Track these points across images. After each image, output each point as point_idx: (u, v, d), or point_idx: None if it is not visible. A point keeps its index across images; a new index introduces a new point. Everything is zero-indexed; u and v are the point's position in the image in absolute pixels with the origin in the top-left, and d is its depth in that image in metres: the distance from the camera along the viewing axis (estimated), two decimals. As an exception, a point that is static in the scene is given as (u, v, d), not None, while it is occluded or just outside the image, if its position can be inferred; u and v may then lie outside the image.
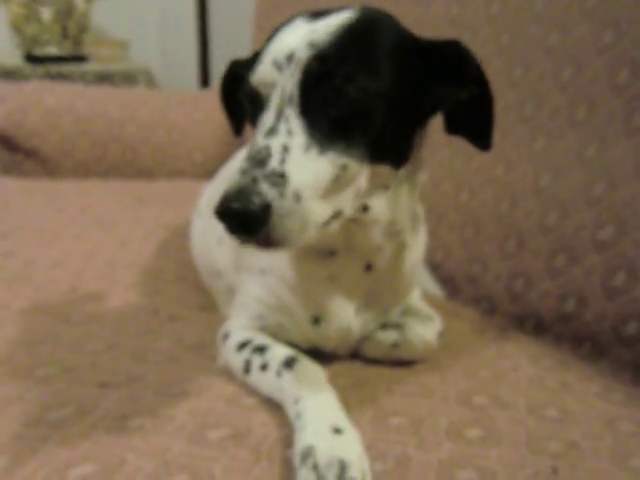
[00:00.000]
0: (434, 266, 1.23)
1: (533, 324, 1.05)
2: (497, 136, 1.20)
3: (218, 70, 3.14)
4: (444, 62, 0.67)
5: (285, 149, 0.58)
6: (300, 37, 0.62)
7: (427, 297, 0.97)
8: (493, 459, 0.64)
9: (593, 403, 0.80)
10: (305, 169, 0.58)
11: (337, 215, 0.64)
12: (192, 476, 0.57)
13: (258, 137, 0.59)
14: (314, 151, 0.60)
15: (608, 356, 0.94)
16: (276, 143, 0.58)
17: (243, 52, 2.45)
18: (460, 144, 0.75)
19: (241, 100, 0.70)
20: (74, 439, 0.62)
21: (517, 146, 1.13)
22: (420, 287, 0.96)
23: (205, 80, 3.14)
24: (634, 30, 0.95)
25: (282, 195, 0.56)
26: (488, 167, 1.17)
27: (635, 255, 0.91)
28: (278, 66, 0.62)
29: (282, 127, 0.59)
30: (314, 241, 0.61)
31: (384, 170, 0.67)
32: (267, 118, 0.61)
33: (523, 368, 0.89)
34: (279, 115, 0.60)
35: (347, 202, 0.65)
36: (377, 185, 0.68)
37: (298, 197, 0.57)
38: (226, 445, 0.62)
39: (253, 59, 0.70)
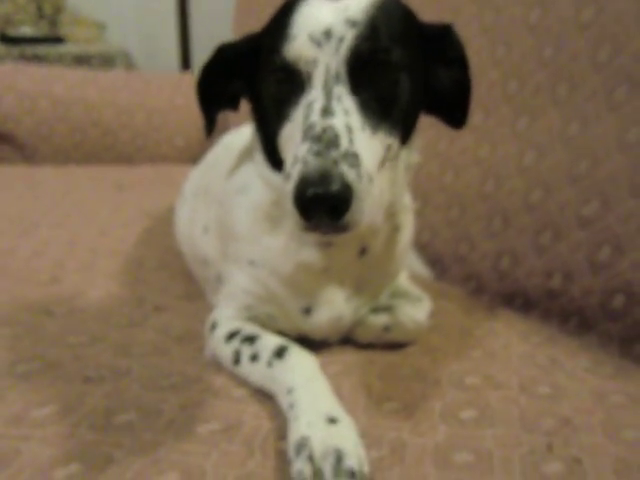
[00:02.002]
0: (421, 247, 1.22)
1: (521, 301, 1.05)
2: (481, 115, 1.19)
3: (199, 52, 3.08)
4: (438, 44, 0.69)
5: (349, 129, 0.56)
6: (333, 13, 0.61)
7: (415, 278, 0.96)
8: (488, 440, 0.64)
9: (583, 378, 0.80)
10: (368, 150, 0.58)
11: (380, 199, 0.63)
12: (183, 473, 0.56)
13: (313, 116, 0.57)
14: (368, 131, 0.59)
15: (595, 330, 0.94)
16: (339, 123, 0.56)
17: (225, 33, 2.40)
18: (443, 125, 0.75)
19: (227, 89, 0.69)
20: (58, 438, 0.60)
21: (501, 125, 1.12)
22: (408, 268, 0.96)
23: (186, 62, 3.07)
24: (614, 6, 0.95)
25: (359, 176, 0.55)
26: (472, 147, 1.17)
27: (619, 230, 0.91)
28: (317, 42, 0.60)
29: (337, 106, 0.58)
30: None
31: (396, 146, 0.66)
32: (316, 96, 0.59)
33: (513, 346, 0.89)
34: (329, 94, 0.59)
35: (384, 187, 0.65)
36: (387, 162, 0.66)
37: (370, 179, 0.56)
38: (217, 439, 0.61)
39: (253, 41, 0.69)
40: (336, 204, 0.53)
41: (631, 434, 0.66)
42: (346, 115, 0.57)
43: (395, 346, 0.83)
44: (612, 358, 0.87)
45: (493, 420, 0.67)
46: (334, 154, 0.54)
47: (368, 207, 0.56)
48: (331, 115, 0.57)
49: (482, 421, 0.67)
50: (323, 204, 0.53)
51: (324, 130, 0.55)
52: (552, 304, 1.01)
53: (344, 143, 0.55)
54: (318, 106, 0.58)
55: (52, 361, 0.75)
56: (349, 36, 0.60)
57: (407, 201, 0.83)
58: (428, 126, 0.74)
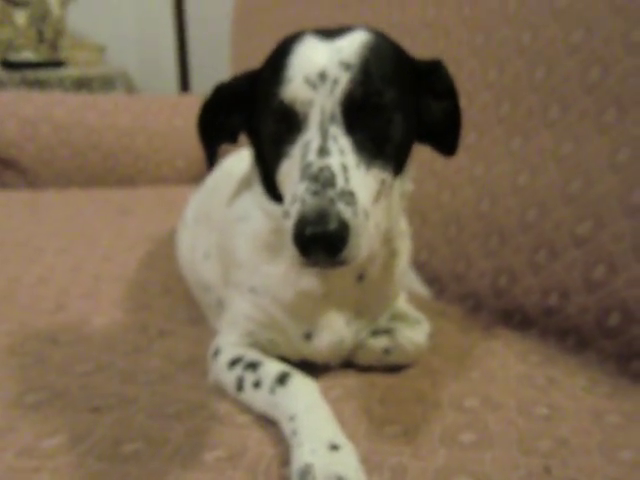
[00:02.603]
0: (419, 265, 1.24)
1: (519, 319, 1.07)
2: (475, 136, 1.22)
3: (198, 74, 3.12)
4: (429, 79, 0.72)
5: (344, 168, 0.59)
6: (327, 56, 0.64)
7: (414, 298, 0.98)
8: (487, 463, 0.65)
9: (580, 397, 0.81)
10: (363, 187, 0.60)
11: (377, 229, 0.65)
12: (190, 501, 0.58)
13: (310, 156, 0.60)
14: (362, 169, 0.61)
15: (592, 348, 0.95)
16: (335, 162, 0.59)
17: (222, 54, 2.43)
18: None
19: (226, 124, 0.71)
20: (68, 469, 0.61)
21: (495, 146, 1.14)
22: (407, 288, 0.97)
23: (185, 84, 3.11)
24: (603, 28, 0.97)
25: (356, 214, 0.57)
26: (468, 167, 1.19)
27: (613, 248, 0.93)
28: (312, 84, 0.62)
29: (333, 146, 0.60)
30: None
31: (389, 179, 0.68)
32: (311, 136, 0.62)
33: (511, 366, 0.90)
34: (325, 134, 0.61)
35: (381, 215, 0.67)
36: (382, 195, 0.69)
37: (366, 215, 0.59)
38: (223, 467, 0.62)
39: (249, 79, 0.72)
40: (333, 242, 0.55)
41: (628, 455, 0.68)
42: (341, 154, 0.60)
43: (395, 368, 0.85)
44: (609, 376, 0.89)
45: (492, 443, 0.69)
46: (331, 193, 0.56)
47: (365, 242, 0.58)
48: (327, 155, 0.59)
49: (481, 444, 0.68)
50: (321, 242, 0.55)
51: (321, 170, 0.58)
52: (549, 322, 1.02)
53: (340, 182, 0.57)
54: (315, 146, 0.60)
55: (60, 390, 0.76)
56: (343, 79, 0.62)
57: (403, 226, 0.85)
58: (423, 147, 0.77)
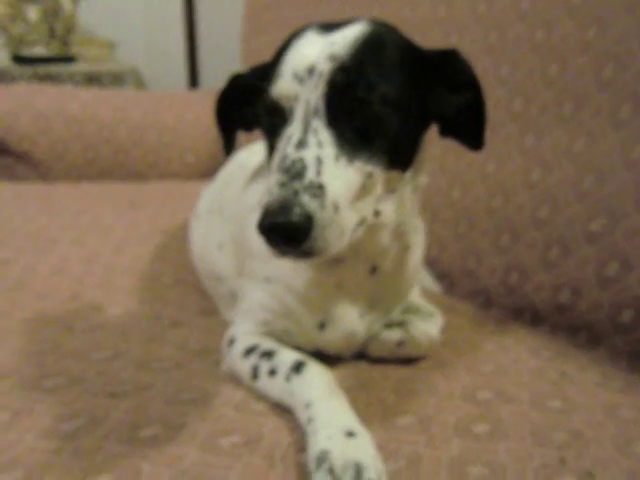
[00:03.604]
0: (430, 262, 1.24)
1: (530, 316, 1.07)
2: (487, 133, 1.23)
3: (207, 70, 3.13)
4: (443, 70, 0.71)
5: (319, 161, 0.59)
6: (318, 50, 0.63)
7: (425, 293, 0.98)
8: (501, 453, 0.65)
9: (593, 392, 0.81)
10: (338, 179, 0.60)
11: (362, 222, 0.65)
12: (209, 485, 0.58)
13: (288, 149, 0.60)
14: (343, 161, 0.61)
15: (604, 344, 0.96)
16: (309, 155, 0.59)
17: (231, 52, 2.44)
18: (450, 141, 0.77)
19: (241, 114, 0.71)
20: (88, 451, 0.62)
21: (507, 142, 1.14)
22: (419, 284, 0.98)
23: (194, 80, 3.12)
24: (617, 26, 0.97)
25: (323, 206, 0.57)
26: (480, 163, 1.19)
27: (626, 245, 0.93)
28: (300, 79, 0.63)
29: (312, 139, 0.60)
30: (344, 249, 0.62)
31: (395, 174, 0.68)
32: (294, 130, 0.62)
33: (523, 360, 0.90)
34: (306, 127, 0.61)
35: (369, 208, 0.67)
36: (387, 189, 0.69)
37: (336, 207, 0.59)
38: (239, 452, 0.63)
39: (261, 71, 0.72)
40: (293, 233, 0.56)
41: (641, 448, 0.68)
42: (319, 147, 0.60)
43: (406, 361, 0.85)
44: (621, 372, 0.89)
45: (506, 434, 0.69)
46: (297, 185, 0.57)
47: (335, 234, 0.59)
48: (304, 147, 0.60)
49: (495, 435, 0.69)
50: (280, 233, 0.56)
51: (293, 162, 0.59)
52: (561, 318, 1.02)
53: (310, 174, 0.58)
54: (295, 139, 0.61)
55: (77, 376, 0.77)
56: (326, 70, 0.62)
57: (418, 222, 0.85)
58: (434, 142, 0.77)
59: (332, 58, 0.62)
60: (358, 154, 0.63)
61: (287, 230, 0.55)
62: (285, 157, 0.60)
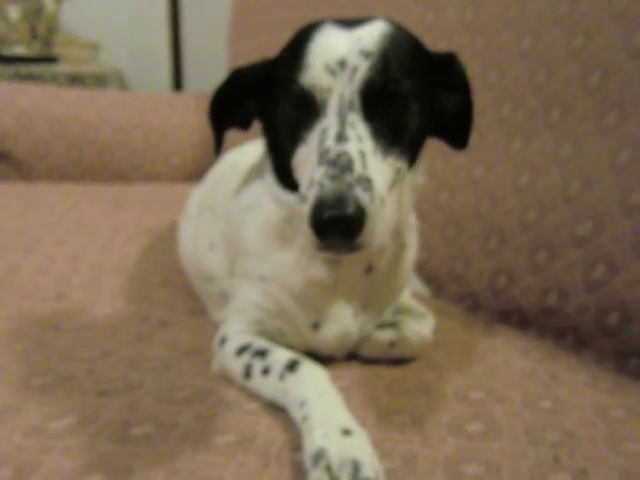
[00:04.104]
0: (418, 265, 1.24)
1: (517, 319, 1.08)
2: (475, 137, 1.23)
3: (191, 73, 3.11)
4: (443, 71, 0.73)
5: (362, 154, 0.59)
6: (347, 44, 0.64)
7: (413, 297, 0.98)
8: (496, 452, 0.65)
9: (584, 392, 0.82)
10: (379, 174, 0.60)
11: (390, 218, 0.65)
12: (203, 483, 0.57)
13: (328, 142, 0.60)
14: (379, 156, 0.62)
15: (591, 347, 0.97)
16: (353, 148, 0.59)
17: (216, 55, 2.42)
18: (438, 145, 0.79)
19: (241, 110, 0.71)
20: (78, 449, 0.61)
21: (495, 147, 1.16)
22: (410, 286, 0.98)
23: (178, 83, 3.11)
24: (603, 34, 0.99)
25: (372, 200, 0.57)
26: (467, 168, 1.20)
27: (613, 249, 0.95)
28: (332, 71, 0.63)
29: (351, 133, 0.60)
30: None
31: (404, 169, 0.69)
32: (330, 123, 0.62)
33: (514, 361, 0.91)
34: (343, 121, 0.61)
35: (393, 205, 0.67)
36: (397, 183, 0.69)
37: (382, 201, 0.59)
38: (233, 451, 0.62)
39: (267, 65, 0.72)
40: (350, 226, 0.56)
41: (633, 446, 0.68)
42: (359, 141, 0.60)
43: (399, 361, 0.85)
44: (609, 373, 0.90)
45: (499, 433, 0.69)
46: (349, 178, 0.57)
47: (379, 228, 0.59)
48: (345, 141, 0.60)
49: (489, 434, 0.69)
50: (338, 226, 0.55)
51: (339, 155, 0.58)
52: (548, 321, 1.03)
53: (358, 167, 0.58)
54: (333, 132, 0.61)
55: (65, 375, 0.76)
56: (363, 67, 0.63)
57: (412, 220, 0.85)
58: (425, 146, 0.79)
59: (364, 54, 0.63)
60: (390, 149, 0.64)
61: (345, 223, 0.55)
62: (327, 150, 0.59)
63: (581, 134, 1.01)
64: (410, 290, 0.98)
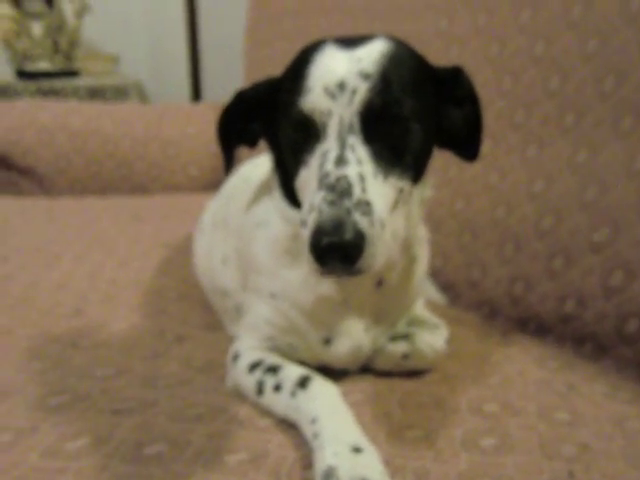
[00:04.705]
0: (434, 273, 1.24)
1: (535, 326, 1.07)
2: (490, 144, 1.23)
3: (209, 83, 3.15)
4: (449, 86, 0.72)
5: (362, 178, 0.59)
6: (346, 65, 0.64)
7: (430, 305, 0.98)
8: (510, 467, 0.65)
9: (601, 403, 0.81)
10: (380, 196, 0.60)
11: (394, 237, 0.66)
12: (215, 503, 0.58)
13: (327, 165, 0.60)
14: (380, 178, 0.62)
15: (611, 355, 0.95)
16: (352, 172, 0.59)
17: (234, 65, 2.45)
18: (453, 154, 0.78)
19: (246, 130, 0.72)
20: (92, 470, 0.62)
21: (510, 154, 1.15)
22: (423, 296, 0.97)
23: (197, 93, 3.14)
24: (618, 38, 0.98)
25: (371, 224, 0.57)
26: (482, 175, 1.19)
27: (630, 255, 0.93)
28: (331, 94, 0.63)
29: (351, 156, 0.60)
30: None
31: (407, 188, 0.68)
32: (330, 146, 0.62)
33: (529, 372, 0.90)
34: (343, 143, 0.61)
35: (399, 223, 0.67)
36: (400, 203, 0.69)
37: (382, 224, 0.59)
38: (245, 469, 0.63)
39: (268, 86, 0.73)
40: (349, 252, 0.56)
41: (651, 460, 0.67)
42: (359, 164, 0.60)
43: (412, 374, 0.85)
44: (629, 382, 0.88)
45: (513, 447, 0.69)
46: (347, 203, 0.57)
47: (380, 251, 0.59)
48: (345, 164, 0.60)
49: (502, 449, 0.68)
50: (337, 252, 0.56)
51: (338, 179, 0.58)
52: (566, 329, 1.02)
53: (357, 192, 0.58)
54: (332, 155, 0.61)
55: (81, 394, 0.77)
56: (362, 89, 0.62)
57: (422, 232, 0.85)
58: (436, 154, 0.78)
59: (363, 75, 0.63)
60: (392, 170, 0.63)
61: (343, 249, 0.55)
62: (327, 174, 0.59)
63: (596, 139, 1.00)
64: (425, 299, 0.98)
